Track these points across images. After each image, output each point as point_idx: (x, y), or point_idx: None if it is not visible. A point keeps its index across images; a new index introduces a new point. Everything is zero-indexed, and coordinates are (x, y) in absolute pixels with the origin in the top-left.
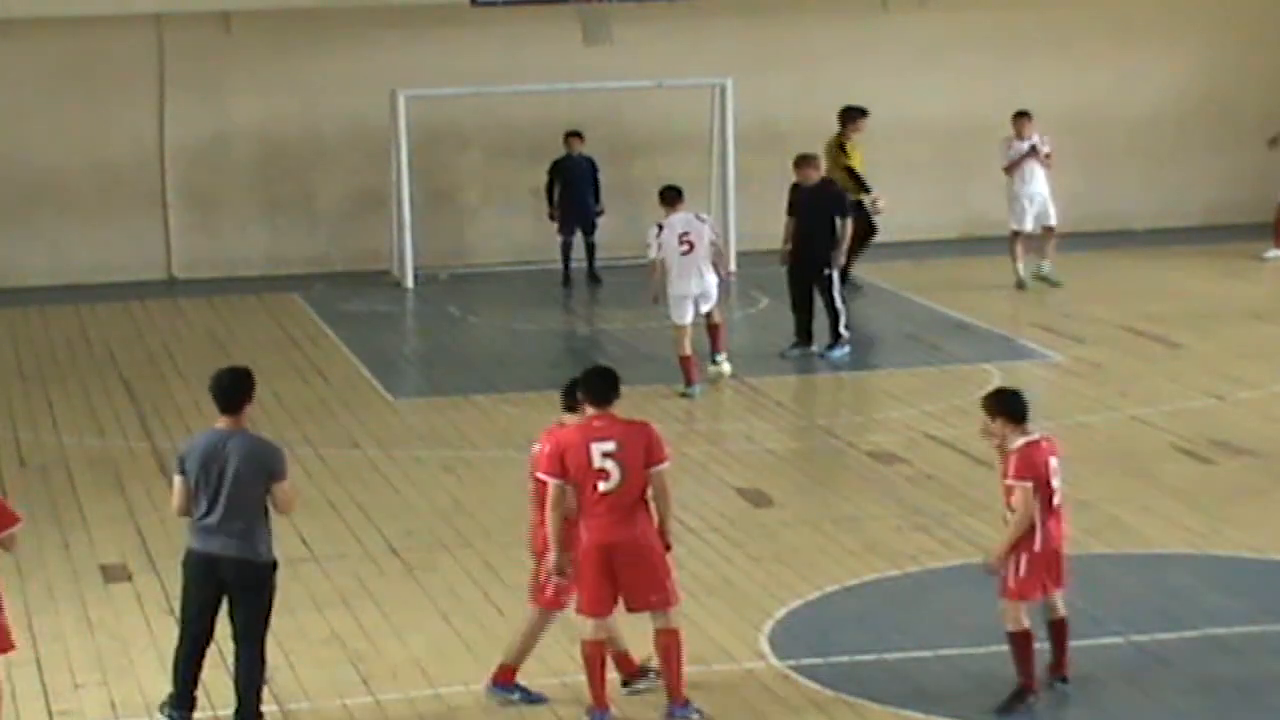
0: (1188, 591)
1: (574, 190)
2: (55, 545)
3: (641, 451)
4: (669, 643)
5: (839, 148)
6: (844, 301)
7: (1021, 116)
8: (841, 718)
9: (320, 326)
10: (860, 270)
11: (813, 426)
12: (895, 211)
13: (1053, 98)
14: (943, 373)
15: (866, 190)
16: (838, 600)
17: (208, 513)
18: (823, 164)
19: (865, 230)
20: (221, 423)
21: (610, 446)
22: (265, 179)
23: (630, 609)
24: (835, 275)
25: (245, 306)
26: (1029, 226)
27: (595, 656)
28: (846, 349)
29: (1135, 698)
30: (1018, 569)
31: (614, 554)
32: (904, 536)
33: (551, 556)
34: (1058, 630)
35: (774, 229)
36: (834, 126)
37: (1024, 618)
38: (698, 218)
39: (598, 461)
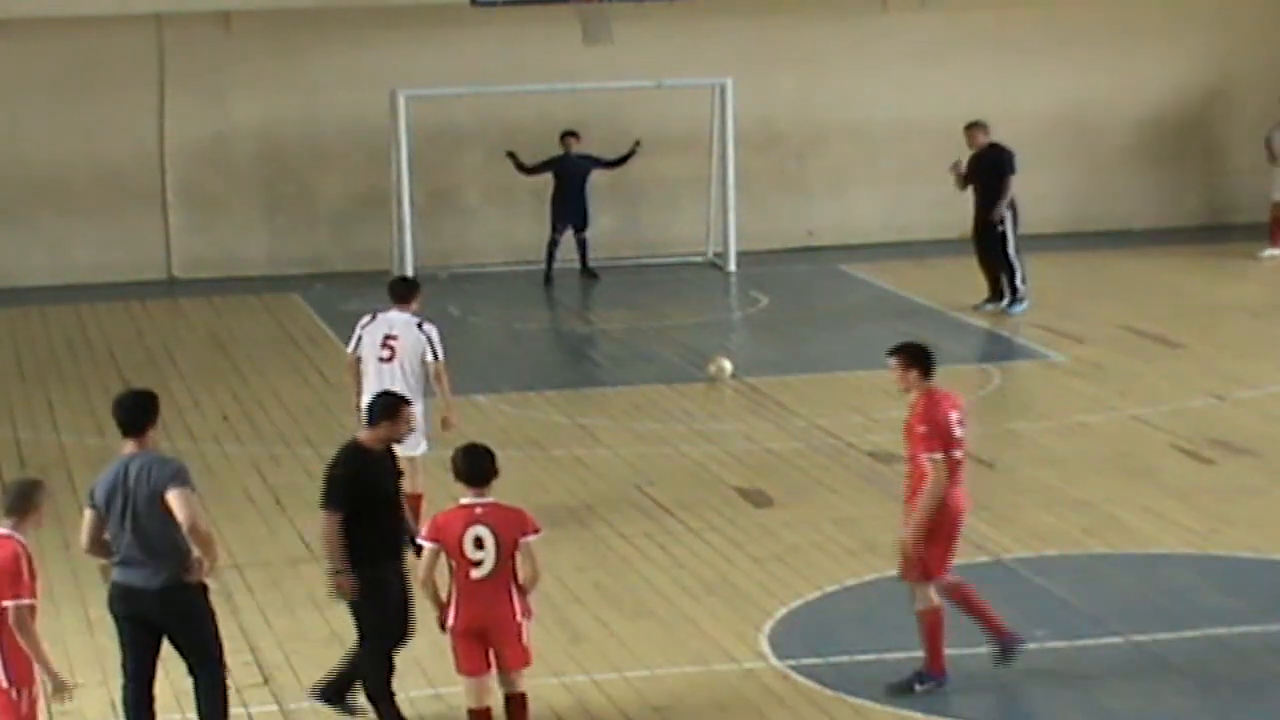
0: (1188, 591)
1: (569, 189)
2: (55, 545)
3: None
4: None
5: None
6: (1018, 256)
7: None
8: (841, 718)
9: (320, 326)
10: (860, 269)
11: (813, 426)
12: (895, 211)
13: (1053, 98)
14: (943, 373)
15: None
16: (838, 600)
17: (120, 543)
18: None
19: None
20: (127, 448)
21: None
22: (265, 179)
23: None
24: (1006, 231)
25: (245, 306)
26: None
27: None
28: (1024, 304)
29: (1135, 698)
30: None
31: None
32: None
33: None
34: None
35: (774, 228)
36: (832, 125)
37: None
38: (419, 326)
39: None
